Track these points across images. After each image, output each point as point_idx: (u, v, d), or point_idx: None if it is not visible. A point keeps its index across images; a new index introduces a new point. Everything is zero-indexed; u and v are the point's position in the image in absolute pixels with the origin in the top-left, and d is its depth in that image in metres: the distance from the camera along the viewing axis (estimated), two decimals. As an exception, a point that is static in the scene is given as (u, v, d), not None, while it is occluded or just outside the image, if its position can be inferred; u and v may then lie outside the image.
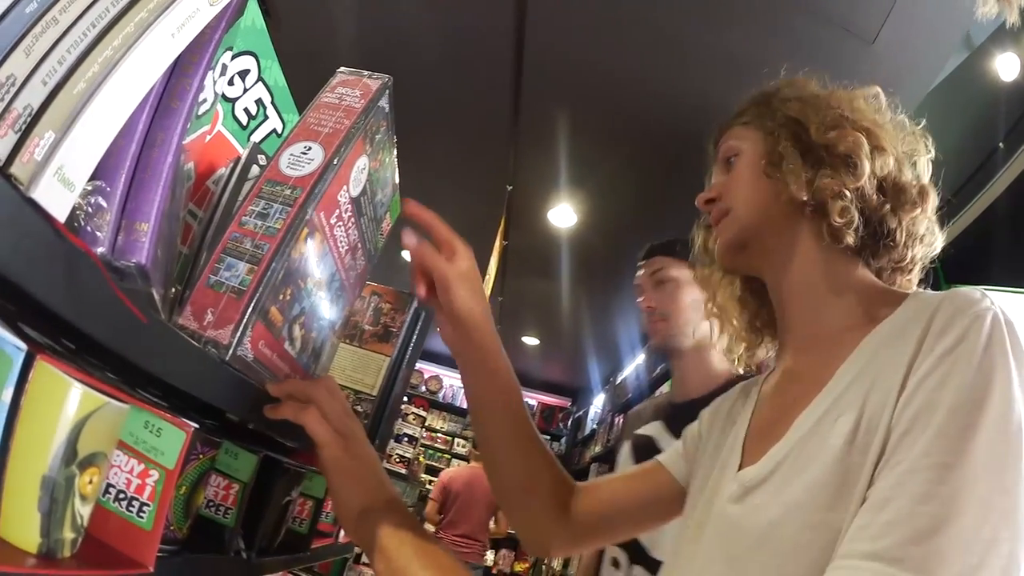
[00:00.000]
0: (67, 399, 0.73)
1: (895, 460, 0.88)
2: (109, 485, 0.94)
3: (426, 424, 15.61)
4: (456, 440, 15.72)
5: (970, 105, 4.42)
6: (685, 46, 4.91)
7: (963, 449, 0.84)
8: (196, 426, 0.97)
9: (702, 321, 2.53)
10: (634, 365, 10.87)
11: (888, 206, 1.22)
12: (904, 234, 1.24)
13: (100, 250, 0.81)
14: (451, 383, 15.99)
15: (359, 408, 1.97)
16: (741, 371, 1.55)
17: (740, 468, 1.20)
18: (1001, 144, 3.91)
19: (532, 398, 15.63)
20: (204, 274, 1.05)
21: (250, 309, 1.04)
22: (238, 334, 1.02)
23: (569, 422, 15.49)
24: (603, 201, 7.35)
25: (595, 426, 12.28)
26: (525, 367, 15.05)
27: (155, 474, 0.95)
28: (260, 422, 1.20)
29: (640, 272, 2.79)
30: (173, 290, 1.03)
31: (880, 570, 0.80)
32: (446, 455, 15.51)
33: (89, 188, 0.79)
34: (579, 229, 7.94)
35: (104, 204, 0.81)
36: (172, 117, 0.90)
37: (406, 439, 14.76)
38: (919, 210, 1.24)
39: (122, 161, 0.83)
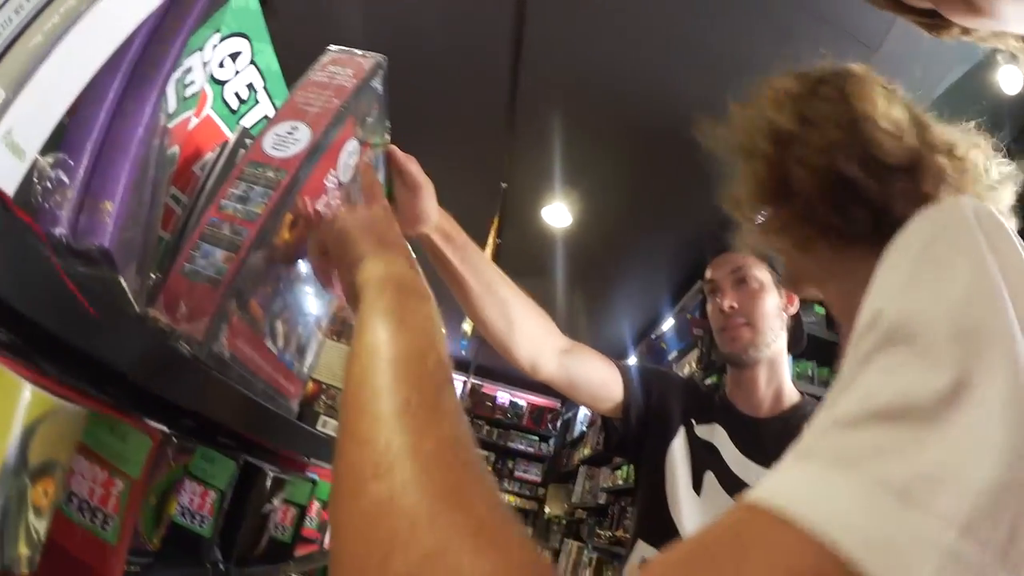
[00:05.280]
0: (15, 401, 0.64)
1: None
2: (72, 494, 0.86)
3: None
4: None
5: (971, 117, 4.38)
6: (687, 46, 4.88)
7: None
8: (164, 430, 0.89)
9: (781, 331, 2.41)
10: (625, 367, 10.82)
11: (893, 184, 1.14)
12: None
13: (60, 231, 0.72)
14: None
15: (347, 409, 1.87)
16: None
17: None
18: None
19: (521, 398, 15.61)
20: (179, 261, 0.97)
21: (228, 299, 0.96)
22: (213, 329, 0.94)
23: (558, 423, 15.45)
24: (598, 201, 7.32)
25: (584, 428, 12.24)
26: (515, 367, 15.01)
27: (120, 484, 0.88)
28: (238, 425, 1.13)
29: (716, 269, 2.52)
30: (153, 277, 0.95)
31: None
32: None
33: (50, 161, 0.71)
34: (574, 229, 7.90)
35: (66, 180, 0.72)
36: (146, 86, 0.81)
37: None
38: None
39: (88, 132, 0.75)
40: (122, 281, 0.82)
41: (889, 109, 1.15)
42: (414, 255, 1.14)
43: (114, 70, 0.77)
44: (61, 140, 0.71)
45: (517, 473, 15.01)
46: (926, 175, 1.10)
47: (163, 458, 0.97)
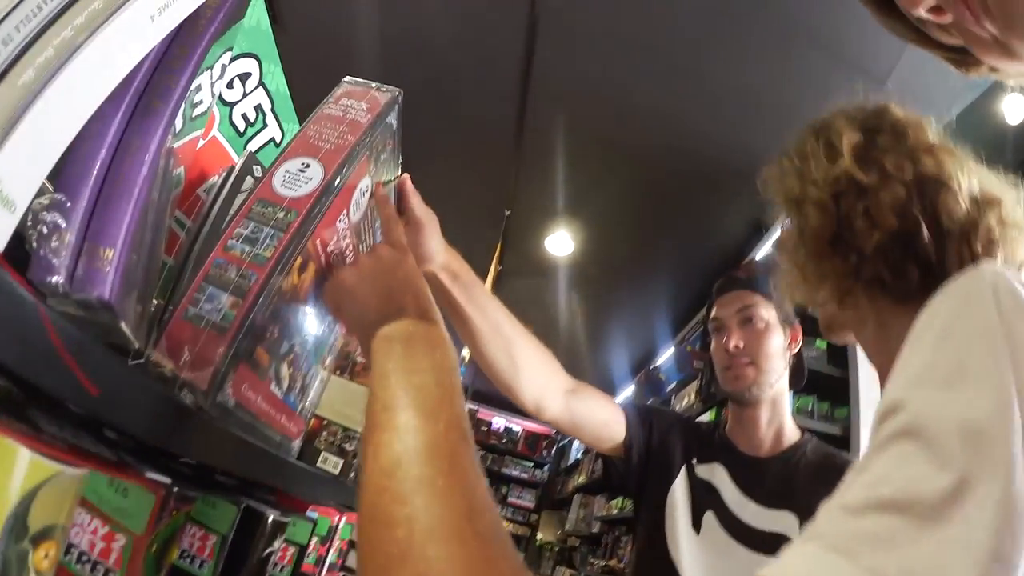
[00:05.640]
0: (12, 469, 0.60)
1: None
2: (71, 545, 0.82)
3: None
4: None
5: (975, 146, 4.41)
6: (694, 78, 4.91)
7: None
8: (167, 482, 0.85)
9: (785, 370, 2.41)
10: (622, 396, 10.83)
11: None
12: None
13: (56, 279, 0.66)
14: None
15: (347, 447, 1.84)
16: None
17: None
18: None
19: (517, 424, 15.55)
20: (182, 304, 0.91)
21: (233, 349, 0.90)
22: (218, 378, 0.89)
23: (553, 450, 15.41)
24: (601, 231, 7.37)
25: (579, 456, 12.19)
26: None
27: (122, 539, 0.84)
28: (239, 469, 1.10)
29: (722, 308, 2.53)
30: (155, 303, 0.90)
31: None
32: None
33: (45, 202, 0.65)
34: (575, 257, 7.92)
35: (62, 223, 0.66)
36: (152, 119, 0.75)
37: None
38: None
39: (88, 170, 0.69)
40: (124, 327, 0.76)
41: (952, 168, 1.14)
42: (429, 292, 1.10)
43: (117, 101, 0.71)
44: (57, 178, 0.66)
45: (511, 499, 14.96)
46: (979, 236, 1.09)
47: (165, 509, 0.93)
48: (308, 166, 1.05)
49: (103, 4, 0.57)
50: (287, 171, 1.05)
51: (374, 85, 1.23)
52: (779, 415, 2.40)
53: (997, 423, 0.71)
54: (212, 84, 0.99)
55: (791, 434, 2.39)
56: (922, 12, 0.86)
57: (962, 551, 0.64)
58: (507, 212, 6.98)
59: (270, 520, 1.33)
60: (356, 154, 1.10)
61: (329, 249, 1.12)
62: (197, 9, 0.79)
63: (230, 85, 1.20)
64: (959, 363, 0.77)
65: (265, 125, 1.35)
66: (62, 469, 0.65)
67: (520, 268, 8.12)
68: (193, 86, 0.87)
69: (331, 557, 2.04)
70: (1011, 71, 1.00)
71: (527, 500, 14.98)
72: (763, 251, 6.41)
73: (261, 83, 1.29)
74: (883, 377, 1.24)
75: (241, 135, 1.28)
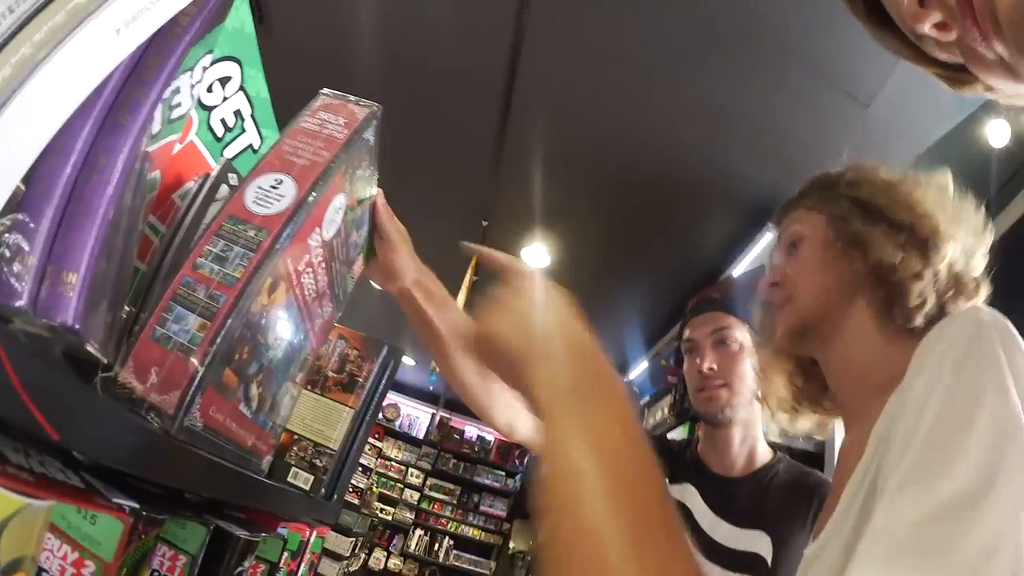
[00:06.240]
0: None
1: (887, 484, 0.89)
2: (41, 569, 0.79)
3: (381, 453, 15.41)
4: (410, 470, 15.55)
5: (958, 169, 4.43)
6: (677, 96, 4.93)
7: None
8: (135, 507, 0.84)
9: (758, 391, 2.41)
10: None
11: (952, 292, 1.29)
12: None
13: (19, 303, 0.63)
14: (408, 412, 15.89)
15: (318, 462, 1.82)
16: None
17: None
18: (983, 209, 3.93)
19: (489, 433, 15.57)
20: (149, 324, 0.88)
21: (200, 373, 0.87)
22: (186, 402, 0.86)
23: (526, 459, 15.41)
24: (578, 244, 7.44)
25: (552, 466, 12.20)
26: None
27: (91, 565, 0.81)
28: (208, 491, 1.10)
29: (696, 329, 2.55)
30: (126, 311, 0.88)
31: None
32: (400, 484, 15.35)
33: (7, 223, 0.62)
34: (552, 269, 7.92)
35: (25, 246, 0.63)
36: (119, 136, 0.72)
37: (360, 469, 14.58)
38: (976, 300, 1.31)
39: (51, 189, 0.66)
40: (90, 348, 0.74)
41: (983, 228, 1.35)
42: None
43: (84, 114, 0.68)
44: (20, 198, 0.63)
45: (483, 507, 14.99)
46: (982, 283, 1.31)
47: (134, 534, 0.90)
48: (281, 182, 1.02)
49: (64, 18, 0.54)
50: (259, 187, 1.01)
51: (352, 98, 1.20)
52: (752, 435, 2.42)
53: (1017, 426, 0.84)
54: (192, 87, 0.96)
55: (763, 454, 2.42)
56: (926, 29, 0.84)
57: (1010, 521, 0.76)
58: (485, 223, 7.00)
59: (240, 540, 1.31)
60: (331, 171, 1.07)
61: (300, 267, 1.09)
62: (173, 16, 0.76)
63: (209, 89, 1.16)
64: (978, 384, 0.89)
65: (243, 131, 1.31)
66: (29, 503, 0.63)
67: (496, 279, 8.11)
68: (172, 88, 0.84)
69: (302, 571, 2.01)
70: (1009, 91, 0.99)
71: (499, 509, 15.01)
72: (739, 268, 6.42)
73: (242, 87, 1.25)
74: (840, 383, 1.36)
75: (219, 140, 1.24)
